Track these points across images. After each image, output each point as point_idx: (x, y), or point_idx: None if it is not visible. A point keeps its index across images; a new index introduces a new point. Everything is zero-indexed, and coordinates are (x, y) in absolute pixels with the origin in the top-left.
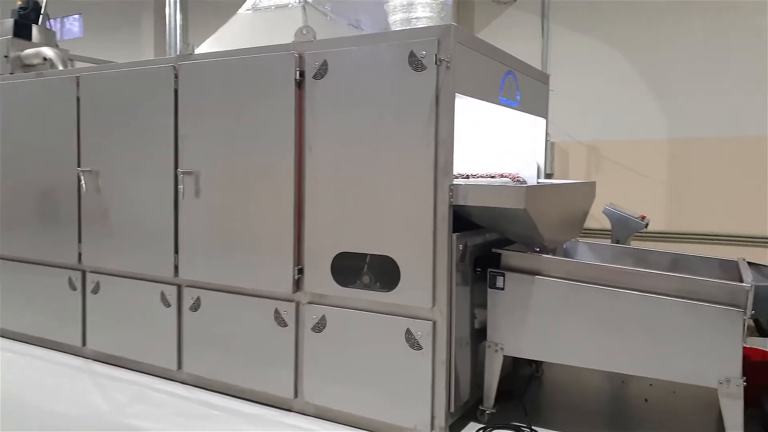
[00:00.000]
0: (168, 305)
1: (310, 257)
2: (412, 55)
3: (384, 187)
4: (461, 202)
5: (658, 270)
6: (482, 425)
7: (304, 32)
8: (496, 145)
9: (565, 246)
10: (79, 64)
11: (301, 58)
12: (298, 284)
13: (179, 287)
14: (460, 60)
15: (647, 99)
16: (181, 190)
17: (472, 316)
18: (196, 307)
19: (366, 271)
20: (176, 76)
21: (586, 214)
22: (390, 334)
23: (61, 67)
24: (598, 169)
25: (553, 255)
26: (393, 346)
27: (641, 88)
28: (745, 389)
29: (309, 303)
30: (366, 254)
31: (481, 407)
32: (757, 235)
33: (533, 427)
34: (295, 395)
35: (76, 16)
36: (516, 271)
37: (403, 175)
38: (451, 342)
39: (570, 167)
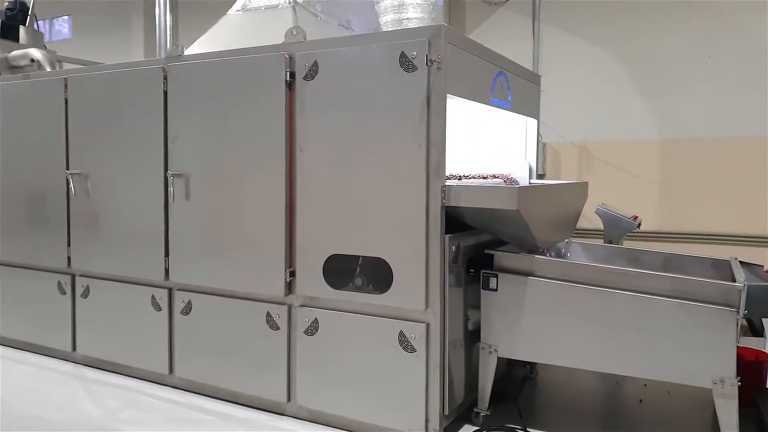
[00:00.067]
0: (159, 309)
1: (302, 260)
2: (402, 55)
3: (376, 189)
4: (453, 203)
5: (651, 270)
6: (477, 427)
7: (295, 33)
8: (488, 146)
9: (558, 246)
10: (67, 66)
11: (291, 59)
12: (290, 287)
13: (170, 290)
14: (451, 61)
15: (639, 99)
16: (171, 193)
17: (466, 318)
18: (187, 310)
19: (358, 273)
20: (165, 78)
21: (578, 214)
22: (383, 337)
23: (48, 69)
24: (590, 170)
25: (546, 256)
26: (386, 349)
27: (633, 88)
28: (740, 389)
29: (301, 306)
30: (358, 256)
31: (475, 409)
32: (752, 234)
33: (528, 429)
34: (288, 399)
35: (66, 17)
36: (509, 272)
37: (394, 177)
38: (444, 344)
39: (562, 168)
